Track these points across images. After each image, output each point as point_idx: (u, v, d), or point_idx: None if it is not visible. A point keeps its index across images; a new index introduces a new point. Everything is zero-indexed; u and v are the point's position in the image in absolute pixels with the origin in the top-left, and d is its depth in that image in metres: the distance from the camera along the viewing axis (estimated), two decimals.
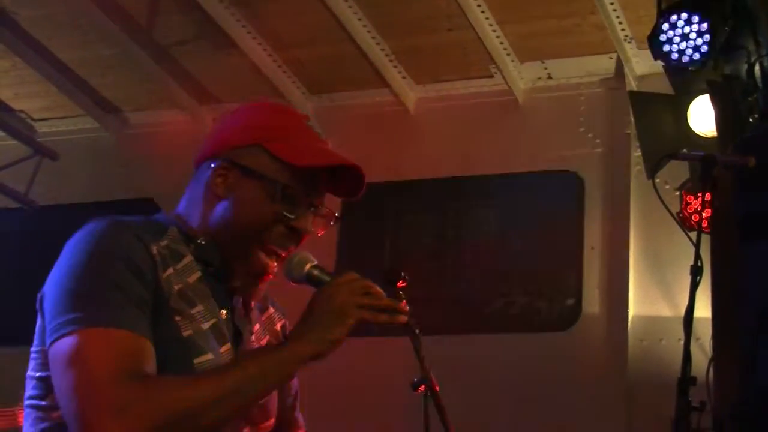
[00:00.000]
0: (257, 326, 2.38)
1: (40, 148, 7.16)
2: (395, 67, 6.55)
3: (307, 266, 2.27)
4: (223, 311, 2.24)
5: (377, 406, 5.93)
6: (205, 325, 2.17)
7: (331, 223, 2.34)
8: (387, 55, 6.45)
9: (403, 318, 2.20)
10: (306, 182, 2.27)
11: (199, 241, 2.25)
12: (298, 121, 2.36)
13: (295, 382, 2.44)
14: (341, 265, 6.42)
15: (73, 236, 2.16)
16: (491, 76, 6.52)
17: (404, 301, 2.24)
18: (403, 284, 2.36)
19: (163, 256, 2.16)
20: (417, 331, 2.25)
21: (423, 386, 2.44)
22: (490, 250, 6.44)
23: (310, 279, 2.26)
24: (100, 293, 2.05)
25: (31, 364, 2.18)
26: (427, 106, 6.77)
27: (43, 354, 2.12)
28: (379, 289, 2.20)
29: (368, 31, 6.24)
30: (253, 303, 2.37)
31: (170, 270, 2.16)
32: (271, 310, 2.46)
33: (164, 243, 2.19)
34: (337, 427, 5.22)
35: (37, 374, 2.16)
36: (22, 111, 7.37)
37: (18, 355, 2.57)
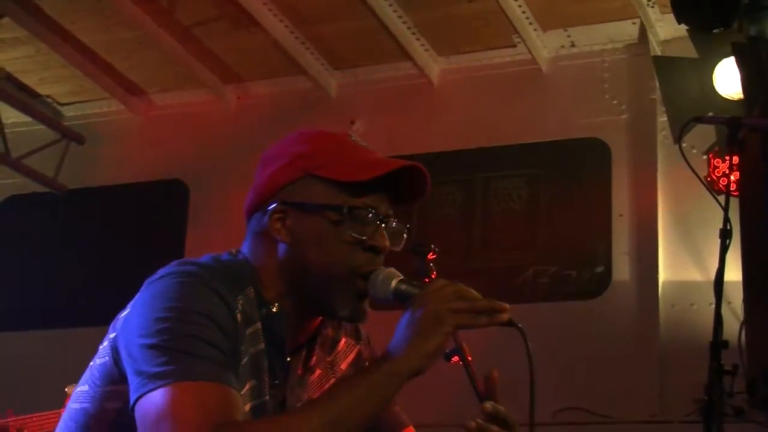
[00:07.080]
0: (318, 372, 2.25)
1: (67, 132, 7.22)
2: (417, 39, 6.53)
3: (394, 282, 2.10)
4: (276, 382, 2.14)
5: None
6: (247, 407, 2.07)
7: (404, 235, 2.19)
8: (409, 28, 6.43)
9: (505, 316, 2.07)
10: (368, 197, 2.12)
11: (271, 308, 2.13)
12: (340, 138, 2.20)
13: None
14: None
15: (150, 283, 2.07)
16: (514, 46, 6.49)
17: (435, 272, 2.20)
18: (433, 256, 2.35)
19: (240, 323, 2.06)
20: (519, 325, 2.10)
21: (456, 357, 2.45)
22: (519, 219, 6.43)
23: (398, 295, 2.09)
24: (187, 347, 1.97)
25: (79, 395, 2.14)
26: (451, 77, 6.75)
27: (96, 390, 2.10)
28: (473, 291, 2.06)
29: (389, 5, 6.22)
30: (318, 349, 2.23)
31: (243, 340, 2.07)
32: (342, 342, 2.31)
33: (241, 303, 2.08)
34: None
35: (77, 406, 2.14)
36: (48, 96, 7.40)
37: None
